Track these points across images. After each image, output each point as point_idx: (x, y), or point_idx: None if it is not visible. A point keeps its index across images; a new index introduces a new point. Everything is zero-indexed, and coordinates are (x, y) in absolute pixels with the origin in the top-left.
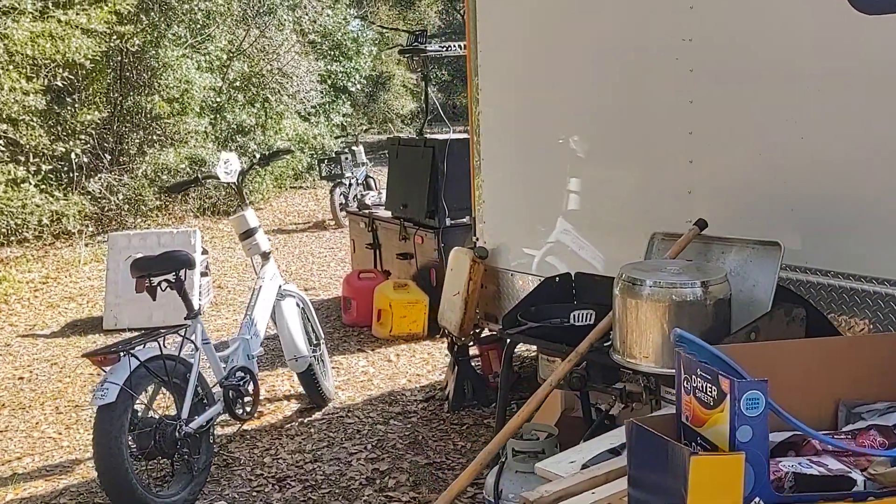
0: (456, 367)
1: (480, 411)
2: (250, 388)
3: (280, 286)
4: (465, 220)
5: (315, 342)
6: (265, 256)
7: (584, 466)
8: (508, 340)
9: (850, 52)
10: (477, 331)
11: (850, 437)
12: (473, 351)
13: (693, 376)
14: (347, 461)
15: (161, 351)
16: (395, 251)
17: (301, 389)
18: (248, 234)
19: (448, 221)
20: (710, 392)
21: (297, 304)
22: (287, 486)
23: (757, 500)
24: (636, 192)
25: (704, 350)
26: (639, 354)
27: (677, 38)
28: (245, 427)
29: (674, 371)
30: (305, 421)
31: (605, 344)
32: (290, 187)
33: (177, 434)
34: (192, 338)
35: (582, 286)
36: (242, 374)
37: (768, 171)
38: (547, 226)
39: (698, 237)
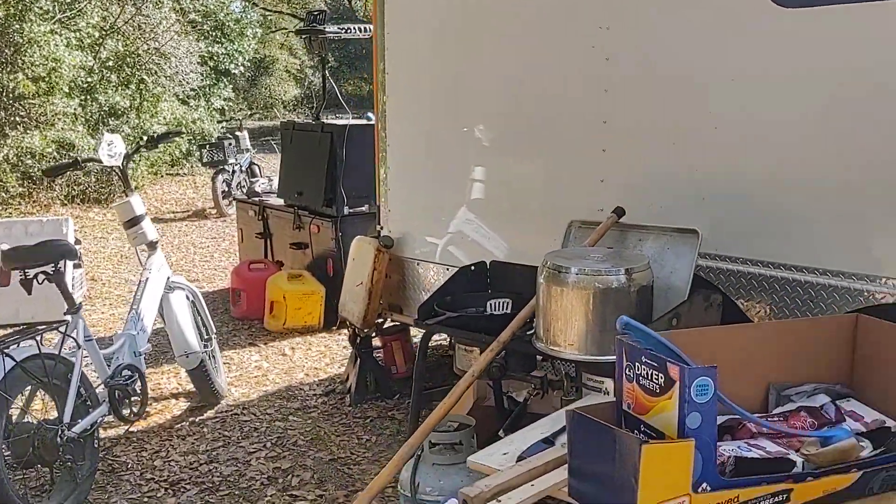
0: (358, 360)
1: (384, 404)
2: (138, 387)
3: (168, 278)
4: (364, 208)
5: (206, 337)
6: (152, 246)
7: (520, 458)
8: (425, 331)
9: (765, 44)
10: (380, 322)
11: (781, 419)
12: (375, 342)
13: (637, 364)
14: (246, 461)
15: (39, 349)
16: (289, 241)
17: (191, 387)
18: (133, 222)
19: (346, 210)
20: (657, 379)
21: (187, 297)
22: (181, 490)
23: (704, 485)
24: (547, 180)
25: (650, 337)
26: (563, 342)
27: (594, 26)
28: (132, 429)
29: (599, 358)
30: (197, 420)
31: (528, 332)
32: (167, 174)
33: (58, 440)
34: (74, 334)
35: (497, 275)
36: (129, 373)
37: (681, 161)
38: (455, 215)
39: (616, 225)
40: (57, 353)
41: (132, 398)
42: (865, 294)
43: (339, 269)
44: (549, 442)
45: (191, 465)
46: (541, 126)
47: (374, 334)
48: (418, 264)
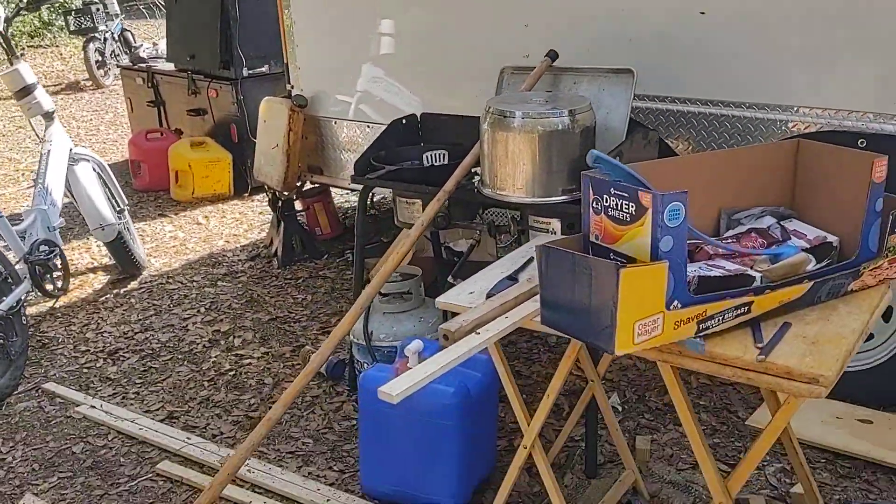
0: (281, 224)
1: (313, 265)
2: (58, 262)
3: (71, 150)
4: (264, 69)
5: (119, 208)
6: (48, 117)
7: (489, 295)
8: (363, 186)
9: None
10: (299, 185)
11: (735, 240)
12: (297, 206)
13: (605, 196)
14: (183, 326)
15: None
16: (185, 107)
17: (106, 260)
18: (25, 91)
19: (245, 72)
20: (627, 209)
21: (93, 169)
22: (121, 359)
23: (676, 303)
24: (469, 29)
25: (619, 169)
26: (510, 187)
27: None
28: (56, 305)
29: (546, 200)
30: (122, 292)
31: (472, 180)
32: (28, 46)
33: None
34: None
35: (429, 127)
36: (47, 248)
37: (606, 2)
38: (370, 70)
39: (549, 69)
40: None
41: (53, 273)
42: (781, 124)
43: (243, 134)
44: (512, 279)
45: (125, 335)
46: None
47: (294, 197)
48: (335, 123)
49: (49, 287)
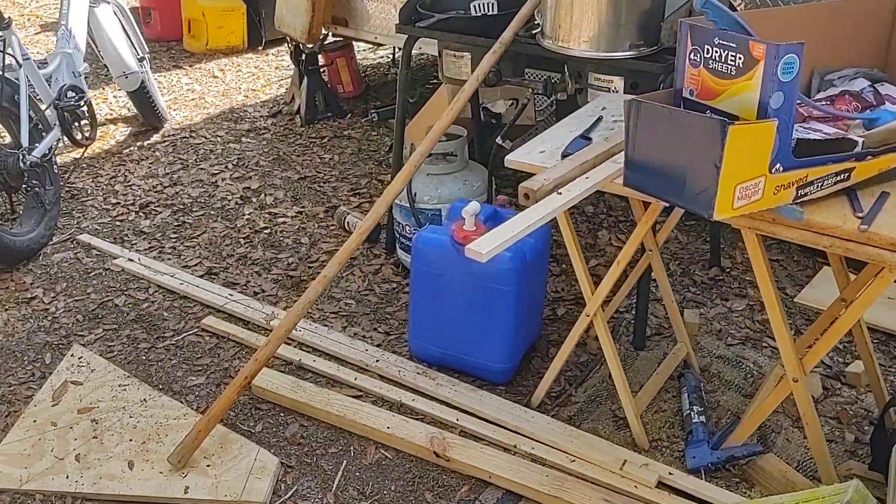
0: (304, 79)
1: (336, 123)
2: (85, 108)
3: None
4: None
5: (140, 56)
6: None
7: (564, 155)
8: (407, 36)
9: None
10: (323, 36)
11: (827, 102)
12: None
13: (707, 47)
14: (212, 182)
15: None
16: None
17: (126, 111)
18: None
19: None
20: (733, 61)
21: (115, 13)
22: (154, 212)
23: (777, 165)
24: None
25: (727, 16)
26: (575, 39)
27: None
28: (82, 155)
29: (614, 55)
30: (146, 144)
31: (534, 32)
32: None
33: (20, 164)
34: (10, 52)
35: None
36: (74, 94)
37: None
38: None
39: None
40: None
41: (81, 121)
42: None
43: None
44: (586, 138)
45: (155, 189)
46: None
47: (318, 51)
48: None
49: (77, 136)
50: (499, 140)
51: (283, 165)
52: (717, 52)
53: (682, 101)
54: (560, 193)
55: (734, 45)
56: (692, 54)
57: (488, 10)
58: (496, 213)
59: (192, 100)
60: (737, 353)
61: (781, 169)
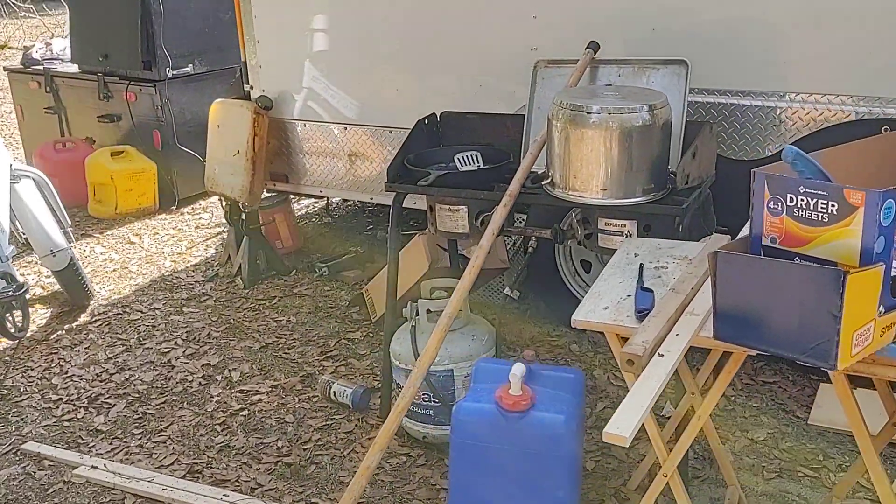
0: (245, 239)
1: (282, 281)
2: (18, 297)
3: (10, 165)
4: (188, 68)
5: (63, 230)
6: None
7: (640, 311)
8: (395, 194)
9: None
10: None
11: None
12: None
13: (791, 195)
14: (165, 362)
15: None
16: (95, 113)
17: (41, 290)
18: None
19: (170, 72)
20: (825, 208)
21: (37, 187)
22: (106, 406)
23: (880, 307)
24: (468, 18)
25: (813, 166)
26: (587, 187)
27: None
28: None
29: (626, 201)
30: (75, 326)
31: (545, 183)
32: None
33: None
34: None
35: (450, 127)
36: (4, 282)
37: None
38: (350, 64)
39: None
40: None
41: (14, 311)
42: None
43: (168, 141)
44: (647, 290)
45: (99, 378)
46: None
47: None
48: (305, 125)
49: (11, 329)
50: (507, 290)
51: (239, 334)
52: (803, 200)
53: (761, 249)
54: (662, 355)
55: (825, 193)
56: (771, 203)
57: (472, 163)
58: (531, 371)
59: (114, 270)
60: (778, 486)
61: (883, 310)
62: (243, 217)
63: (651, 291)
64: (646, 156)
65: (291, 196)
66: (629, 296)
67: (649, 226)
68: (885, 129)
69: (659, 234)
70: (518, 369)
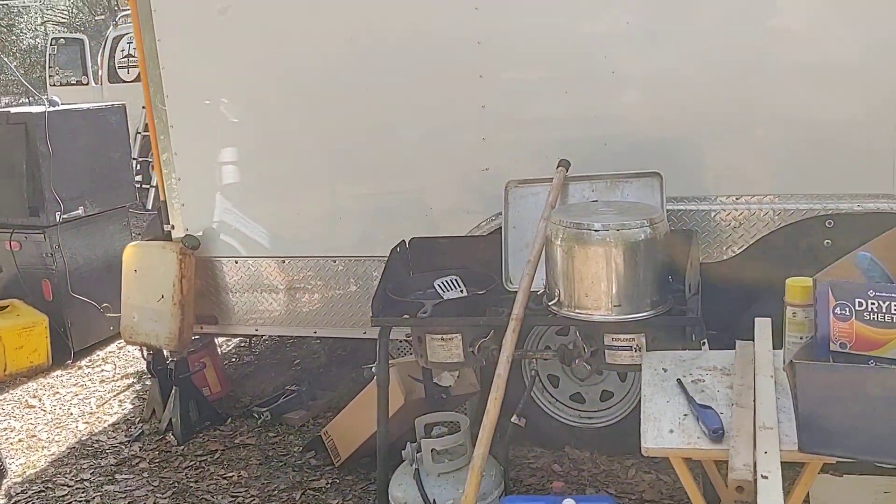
0: (175, 389)
1: (219, 432)
2: None
3: None
4: (79, 211)
5: None
6: None
7: (715, 431)
8: (381, 328)
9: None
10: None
11: None
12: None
13: (860, 300)
14: None
15: None
16: None
17: None
18: None
19: (59, 217)
20: None
21: None
22: None
23: None
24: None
25: (882, 271)
26: (594, 304)
27: None
28: None
29: (635, 316)
30: None
31: (551, 303)
32: None
33: None
34: None
35: (419, 252)
36: None
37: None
38: (289, 195)
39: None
40: None
41: None
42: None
43: (60, 290)
44: (706, 406)
45: None
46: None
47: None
48: (236, 262)
49: None
50: (514, 419)
51: (190, 498)
52: (874, 304)
53: (829, 355)
54: (766, 477)
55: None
56: (837, 309)
57: (454, 288)
58: None
59: (20, 440)
60: None
61: None
62: (170, 366)
63: (711, 408)
64: (651, 268)
65: (215, 339)
66: (686, 415)
67: (656, 338)
68: (829, 223)
69: (665, 346)
70: None
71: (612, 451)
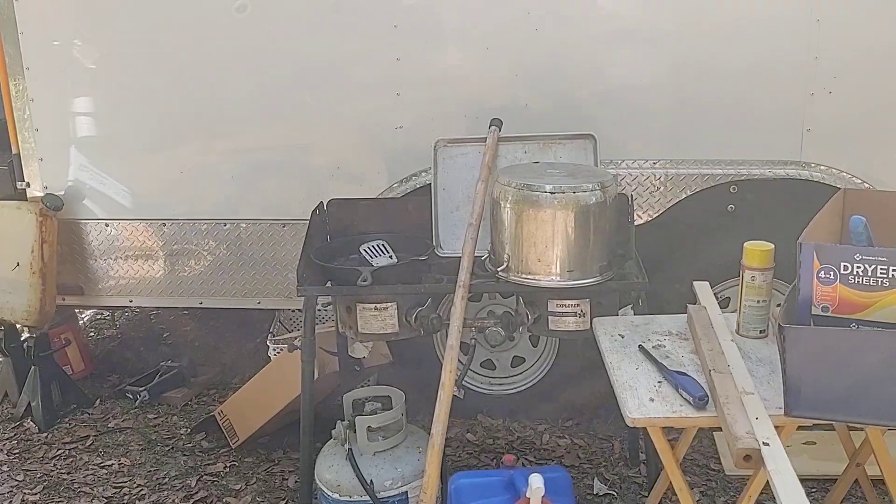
0: (33, 369)
1: (87, 416)
2: None
3: None
4: None
5: None
6: None
7: (699, 398)
8: (306, 297)
9: None
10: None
11: None
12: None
13: (845, 264)
14: None
15: None
16: None
17: None
18: None
19: None
20: (885, 273)
21: None
22: None
23: None
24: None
25: (868, 234)
26: (547, 269)
27: None
28: None
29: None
30: None
31: (499, 269)
32: None
33: None
34: None
35: (338, 215)
36: None
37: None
38: (173, 148)
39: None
40: None
41: None
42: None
43: None
44: (682, 374)
45: None
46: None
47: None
48: (107, 225)
49: None
50: (455, 391)
51: (66, 492)
52: (859, 267)
53: (811, 318)
54: (767, 444)
55: (885, 259)
56: (821, 273)
57: (382, 254)
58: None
59: None
60: None
61: None
62: (27, 344)
63: (687, 374)
64: (601, 233)
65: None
66: (660, 382)
67: (600, 303)
68: (733, 189)
69: (606, 311)
70: (536, 481)
71: (524, 417)
